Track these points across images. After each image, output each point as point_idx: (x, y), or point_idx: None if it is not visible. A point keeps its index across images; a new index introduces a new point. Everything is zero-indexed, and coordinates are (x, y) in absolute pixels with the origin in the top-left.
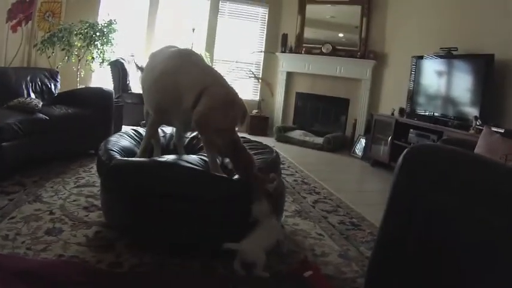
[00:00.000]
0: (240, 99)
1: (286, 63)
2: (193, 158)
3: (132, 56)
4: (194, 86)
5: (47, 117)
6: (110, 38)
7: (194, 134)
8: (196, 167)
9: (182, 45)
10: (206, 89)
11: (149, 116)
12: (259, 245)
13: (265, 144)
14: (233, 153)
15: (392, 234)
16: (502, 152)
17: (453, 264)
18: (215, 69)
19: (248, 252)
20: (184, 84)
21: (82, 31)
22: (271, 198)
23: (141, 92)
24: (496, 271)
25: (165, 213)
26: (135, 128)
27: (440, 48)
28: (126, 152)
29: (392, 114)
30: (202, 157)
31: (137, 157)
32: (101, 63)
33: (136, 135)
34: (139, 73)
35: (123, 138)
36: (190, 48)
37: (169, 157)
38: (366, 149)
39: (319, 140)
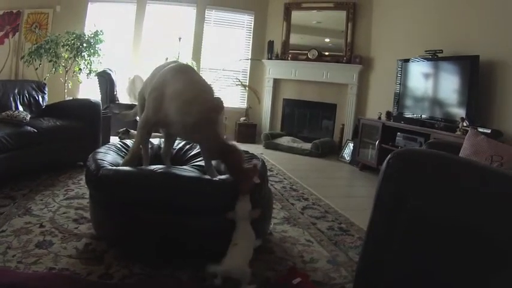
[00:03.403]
0: (207, 97)
1: (272, 70)
2: (184, 168)
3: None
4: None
5: (35, 130)
6: (96, 48)
7: (181, 145)
8: (185, 174)
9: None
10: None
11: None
12: (244, 261)
13: (252, 154)
14: (220, 156)
15: (378, 239)
16: (487, 153)
17: (439, 267)
18: (201, 78)
19: (233, 271)
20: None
21: (69, 42)
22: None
23: (128, 102)
24: (482, 273)
25: (154, 223)
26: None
27: (426, 51)
28: (115, 163)
29: (379, 118)
30: (193, 167)
31: (122, 165)
32: (88, 74)
33: (124, 147)
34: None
35: (111, 150)
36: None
37: (158, 167)
38: (354, 153)
39: (307, 145)
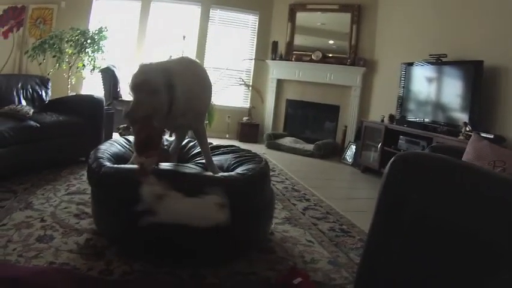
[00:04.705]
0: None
1: (276, 70)
2: (186, 165)
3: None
4: None
5: (37, 125)
6: (100, 45)
7: (184, 143)
8: (186, 172)
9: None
10: None
11: None
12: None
13: (254, 153)
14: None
15: (379, 241)
16: (490, 158)
17: (439, 270)
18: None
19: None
20: None
21: (73, 38)
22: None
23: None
24: (478, 275)
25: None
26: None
27: (430, 55)
28: (117, 159)
29: (382, 120)
30: (196, 165)
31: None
32: (91, 70)
33: (126, 144)
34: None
35: (113, 146)
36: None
37: (159, 165)
38: (356, 155)
39: (310, 146)
